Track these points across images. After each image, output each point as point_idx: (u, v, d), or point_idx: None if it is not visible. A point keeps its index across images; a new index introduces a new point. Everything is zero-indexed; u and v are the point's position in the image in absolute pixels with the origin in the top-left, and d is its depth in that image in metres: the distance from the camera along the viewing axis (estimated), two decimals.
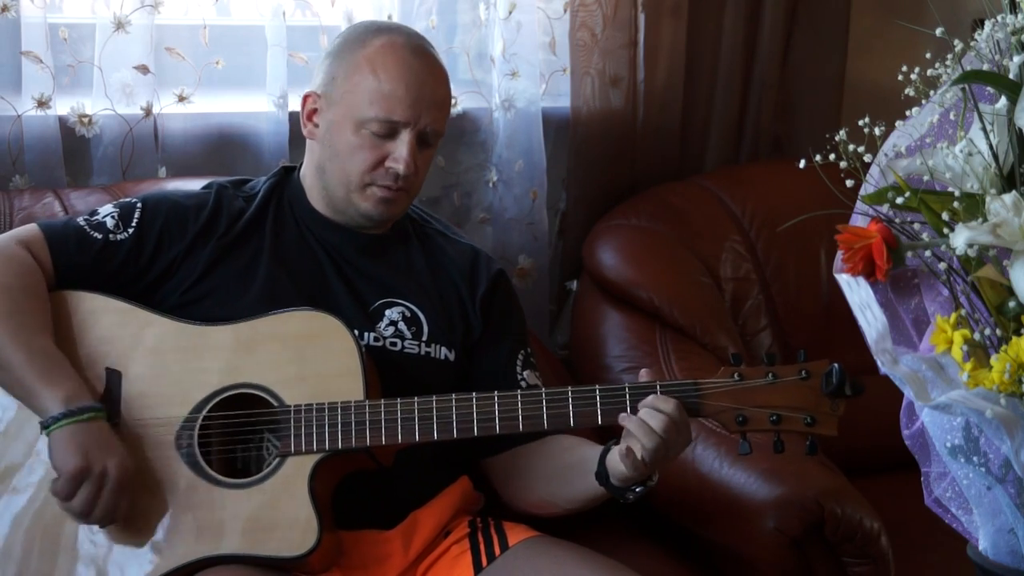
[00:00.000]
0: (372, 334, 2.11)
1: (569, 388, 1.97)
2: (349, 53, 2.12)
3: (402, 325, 2.15)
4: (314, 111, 2.15)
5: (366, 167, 2.09)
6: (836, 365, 1.91)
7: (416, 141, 2.09)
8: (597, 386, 1.96)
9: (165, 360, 2.01)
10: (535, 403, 1.97)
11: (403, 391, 2.02)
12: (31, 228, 2.10)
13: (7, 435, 2.01)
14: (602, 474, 2.00)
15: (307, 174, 2.20)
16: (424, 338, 2.15)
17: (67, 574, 1.96)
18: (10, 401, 2.00)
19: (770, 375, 1.94)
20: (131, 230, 2.11)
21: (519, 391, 2.00)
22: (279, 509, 1.95)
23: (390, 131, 2.08)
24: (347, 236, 2.18)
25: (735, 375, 1.94)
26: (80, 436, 1.90)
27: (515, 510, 2.19)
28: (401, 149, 2.08)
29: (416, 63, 2.10)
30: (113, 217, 2.11)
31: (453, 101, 2.91)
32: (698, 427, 2.32)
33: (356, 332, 2.03)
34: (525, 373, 2.20)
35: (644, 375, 1.97)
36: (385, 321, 2.14)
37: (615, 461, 1.95)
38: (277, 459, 1.98)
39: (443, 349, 2.17)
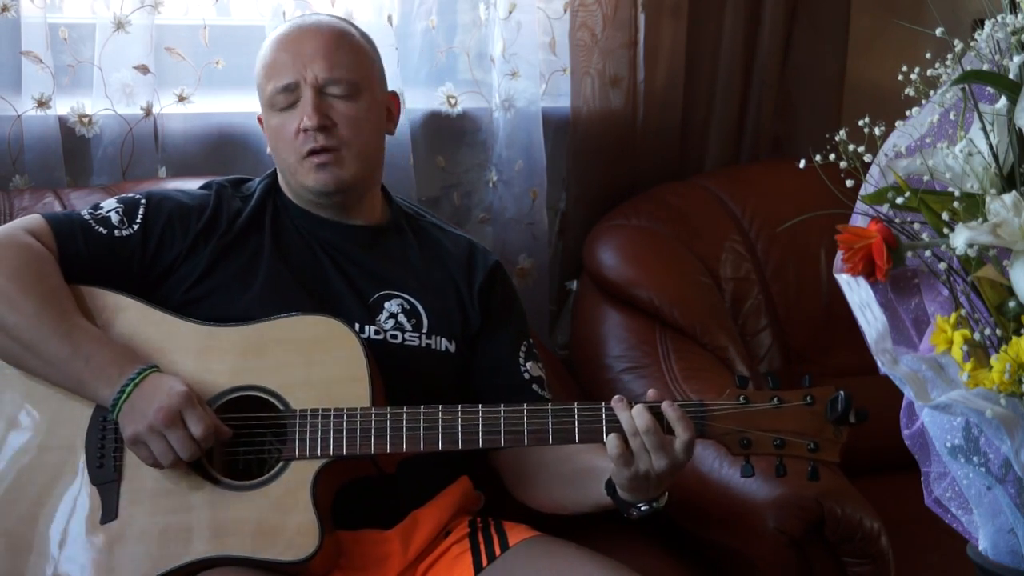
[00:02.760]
0: (372, 327, 2.12)
1: (576, 404, 1.97)
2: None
3: (402, 317, 2.15)
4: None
5: (290, 141, 2.13)
6: (841, 392, 1.90)
7: (315, 94, 2.11)
8: (603, 403, 1.95)
9: (173, 360, 2.01)
10: (541, 417, 1.97)
11: (405, 384, 2.02)
12: (36, 219, 2.10)
13: (16, 433, 2.02)
14: (611, 485, 1.99)
15: (279, 176, 2.24)
16: (424, 330, 2.16)
17: (70, 570, 1.96)
18: (15, 397, 2.03)
19: (775, 399, 1.93)
20: (136, 226, 2.11)
21: (525, 405, 1.99)
22: (281, 513, 1.95)
23: (291, 99, 2.13)
24: (340, 230, 2.19)
25: (741, 397, 1.94)
26: (130, 406, 1.94)
27: (521, 503, 2.18)
28: (303, 106, 2.11)
29: (294, 31, 2.17)
30: (118, 212, 2.12)
31: (453, 100, 2.91)
32: None
33: (357, 326, 2.04)
34: (528, 364, 2.20)
35: (652, 395, 1.96)
36: (385, 314, 2.15)
37: (615, 476, 1.95)
38: (281, 463, 1.98)
39: (443, 341, 2.17)
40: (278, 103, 2.13)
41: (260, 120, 2.23)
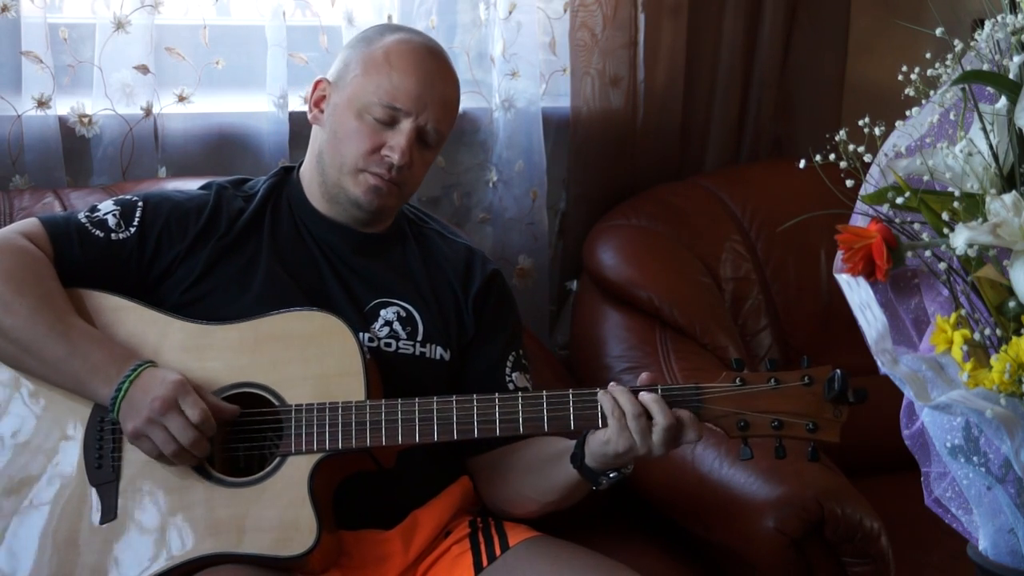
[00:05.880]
0: (367, 335, 2.12)
1: (570, 391, 1.97)
2: (367, 45, 2.15)
3: (397, 325, 2.15)
4: (322, 98, 2.17)
5: (362, 152, 2.11)
6: (839, 371, 1.90)
7: (415, 135, 2.10)
8: (598, 389, 1.96)
9: (169, 359, 2.01)
10: (536, 406, 1.97)
11: (398, 391, 2.02)
12: (32, 222, 2.10)
13: (15, 434, 2.02)
14: (578, 455, 1.99)
15: (306, 167, 2.21)
16: (419, 338, 2.15)
17: (71, 570, 1.96)
18: (13, 398, 2.03)
19: (772, 380, 1.93)
20: (133, 229, 2.11)
21: (520, 393, 2.00)
22: (279, 509, 1.96)
23: (391, 119, 2.10)
24: (344, 235, 2.18)
25: (737, 380, 1.93)
26: (128, 402, 1.94)
27: (494, 510, 2.18)
28: (399, 139, 2.09)
29: (430, 61, 2.13)
30: (115, 215, 2.12)
31: None
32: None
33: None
34: (514, 375, 2.20)
35: (645, 378, 1.97)
36: (380, 321, 2.15)
37: (596, 444, 1.95)
38: (278, 458, 1.98)
39: (438, 349, 2.17)
40: (375, 113, 2.09)
41: (318, 84, 2.18)
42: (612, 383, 1.95)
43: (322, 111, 2.17)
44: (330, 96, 2.16)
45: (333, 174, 2.14)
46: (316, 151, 2.18)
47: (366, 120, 2.10)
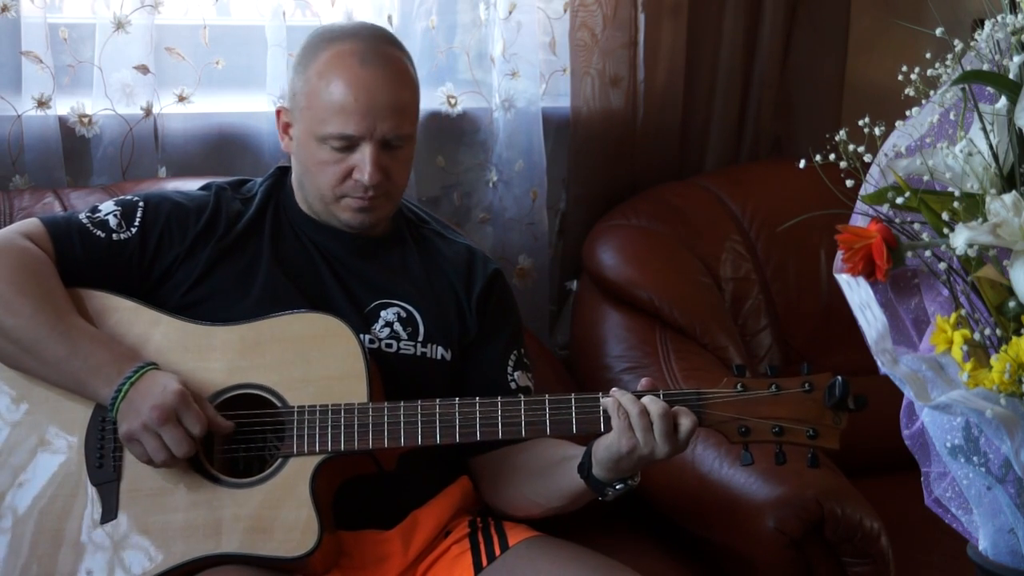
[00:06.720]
0: (367, 336, 2.11)
1: (573, 395, 1.97)
2: (303, 68, 2.12)
3: (398, 326, 2.15)
4: (288, 124, 2.16)
5: (335, 181, 2.10)
6: (839, 378, 1.90)
7: (378, 149, 2.08)
8: (600, 393, 1.96)
9: (170, 359, 2.01)
10: (538, 409, 1.97)
11: (399, 391, 2.03)
12: (33, 222, 2.10)
13: (14, 433, 2.02)
14: (585, 465, 1.99)
15: (294, 181, 2.21)
16: (420, 338, 2.15)
17: (69, 570, 1.96)
18: (13, 397, 2.02)
19: (773, 386, 1.93)
20: (134, 229, 2.11)
21: (522, 396, 2.00)
22: (280, 510, 1.96)
23: (349, 144, 2.08)
24: (341, 238, 2.18)
25: (738, 386, 1.94)
26: (127, 403, 1.94)
27: (496, 511, 2.18)
28: (363, 162, 2.08)
29: (365, 72, 2.07)
30: (116, 216, 2.11)
31: (453, 100, 2.92)
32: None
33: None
34: (516, 374, 2.20)
35: (645, 384, 1.97)
36: (380, 323, 2.14)
37: (601, 450, 1.95)
38: (279, 460, 1.98)
39: (439, 349, 2.17)
40: (333, 143, 2.07)
41: (279, 112, 2.17)
42: (614, 388, 1.95)
43: (291, 138, 2.16)
44: (292, 124, 2.15)
45: (318, 204, 2.14)
46: (297, 176, 2.18)
47: (327, 149, 2.08)
